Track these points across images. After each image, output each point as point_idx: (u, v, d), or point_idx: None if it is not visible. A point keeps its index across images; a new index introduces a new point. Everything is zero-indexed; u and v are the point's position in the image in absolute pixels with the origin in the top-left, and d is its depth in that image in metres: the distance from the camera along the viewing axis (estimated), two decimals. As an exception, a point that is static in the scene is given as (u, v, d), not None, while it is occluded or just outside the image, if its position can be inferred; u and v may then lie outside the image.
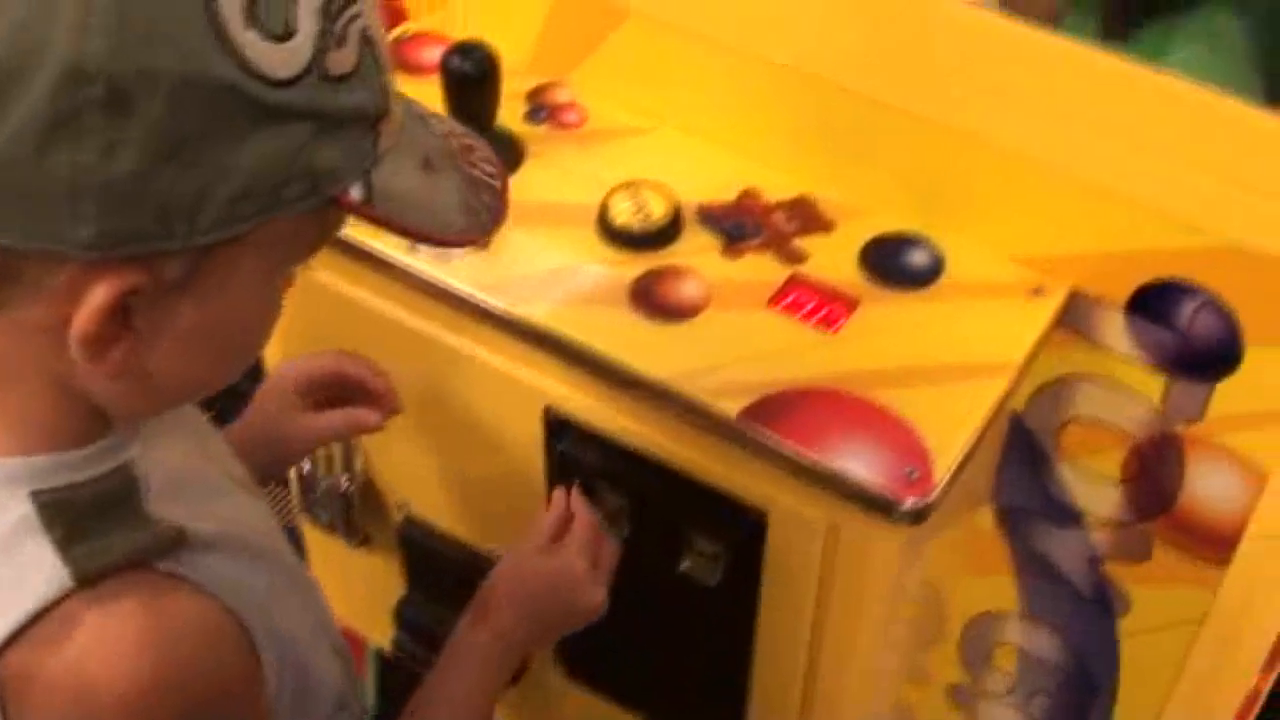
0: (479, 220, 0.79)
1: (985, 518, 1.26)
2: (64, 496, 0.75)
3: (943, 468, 0.99)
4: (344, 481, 1.32)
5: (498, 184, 0.81)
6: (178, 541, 0.78)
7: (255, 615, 0.82)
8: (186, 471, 0.85)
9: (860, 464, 0.99)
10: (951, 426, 1.02)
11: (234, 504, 0.90)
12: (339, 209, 0.73)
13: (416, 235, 0.77)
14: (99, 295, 0.67)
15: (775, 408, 1.02)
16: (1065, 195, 1.06)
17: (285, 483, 1.41)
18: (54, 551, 0.73)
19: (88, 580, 0.74)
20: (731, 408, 1.02)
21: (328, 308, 1.20)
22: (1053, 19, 1.03)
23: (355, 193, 0.72)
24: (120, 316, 0.69)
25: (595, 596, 1.06)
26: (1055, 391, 1.15)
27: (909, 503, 0.98)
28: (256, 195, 0.68)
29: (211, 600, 0.79)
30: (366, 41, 0.71)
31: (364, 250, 1.13)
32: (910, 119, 1.09)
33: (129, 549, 0.76)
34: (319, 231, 0.76)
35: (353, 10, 0.70)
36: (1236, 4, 1.06)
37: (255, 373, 1.15)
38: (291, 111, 0.68)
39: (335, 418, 1.12)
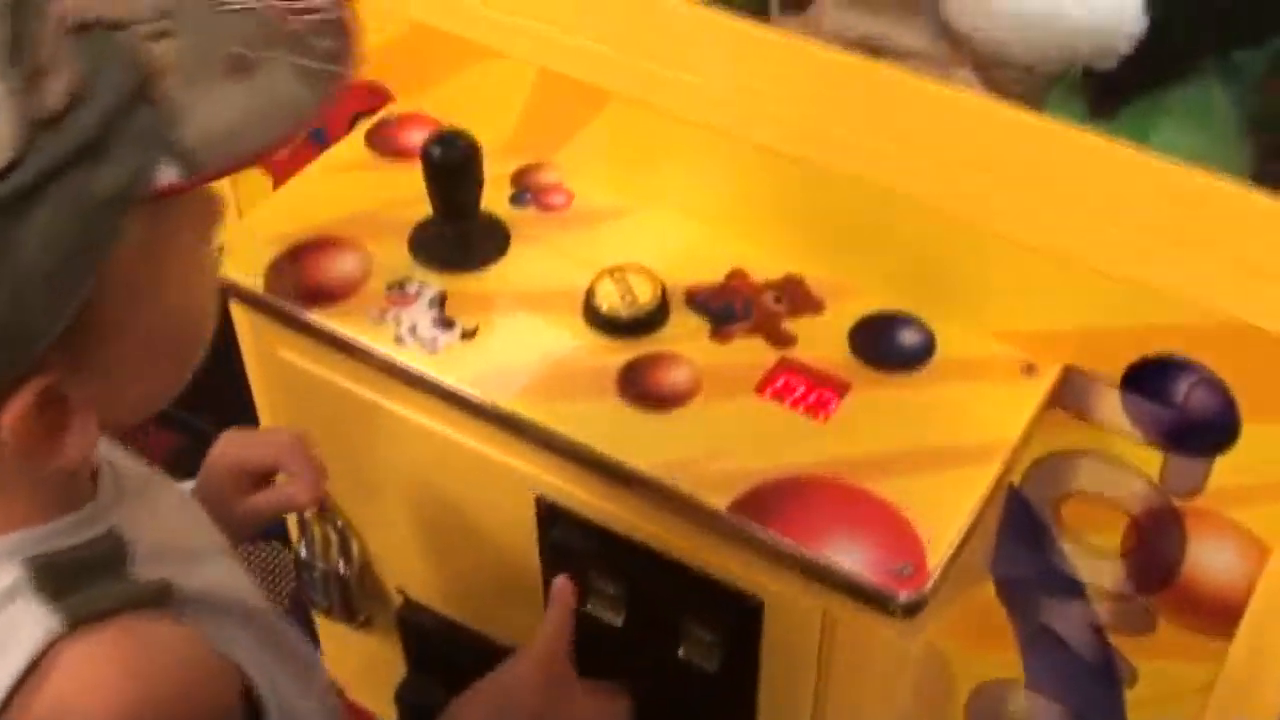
0: (328, 79, 0.70)
1: (987, 588, 1.24)
2: (54, 560, 0.75)
3: (935, 560, 0.98)
4: (341, 567, 1.31)
5: (335, 17, 0.72)
6: (165, 593, 0.78)
7: (252, 670, 0.82)
8: (172, 536, 0.85)
9: (852, 558, 0.98)
10: (944, 516, 1.00)
11: (221, 568, 0.90)
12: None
13: (272, 150, 0.68)
14: (8, 422, 0.68)
15: (766, 499, 1.01)
16: (1055, 273, 1.04)
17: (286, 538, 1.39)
18: (43, 604, 0.74)
19: (78, 624, 0.73)
20: (721, 500, 1.01)
21: (320, 397, 1.20)
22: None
23: (171, 173, 0.64)
24: (55, 409, 0.69)
25: None
26: (1053, 465, 1.14)
27: (903, 597, 0.97)
28: (72, 258, 0.64)
29: (200, 636, 0.79)
30: (80, 32, 0.64)
31: (350, 343, 1.12)
32: (898, 198, 1.07)
33: (118, 597, 0.76)
34: (191, 208, 0.71)
35: (43, 28, 0.63)
36: (1224, 74, 1.04)
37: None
38: (34, 184, 0.62)
39: (269, 499, 1.11)
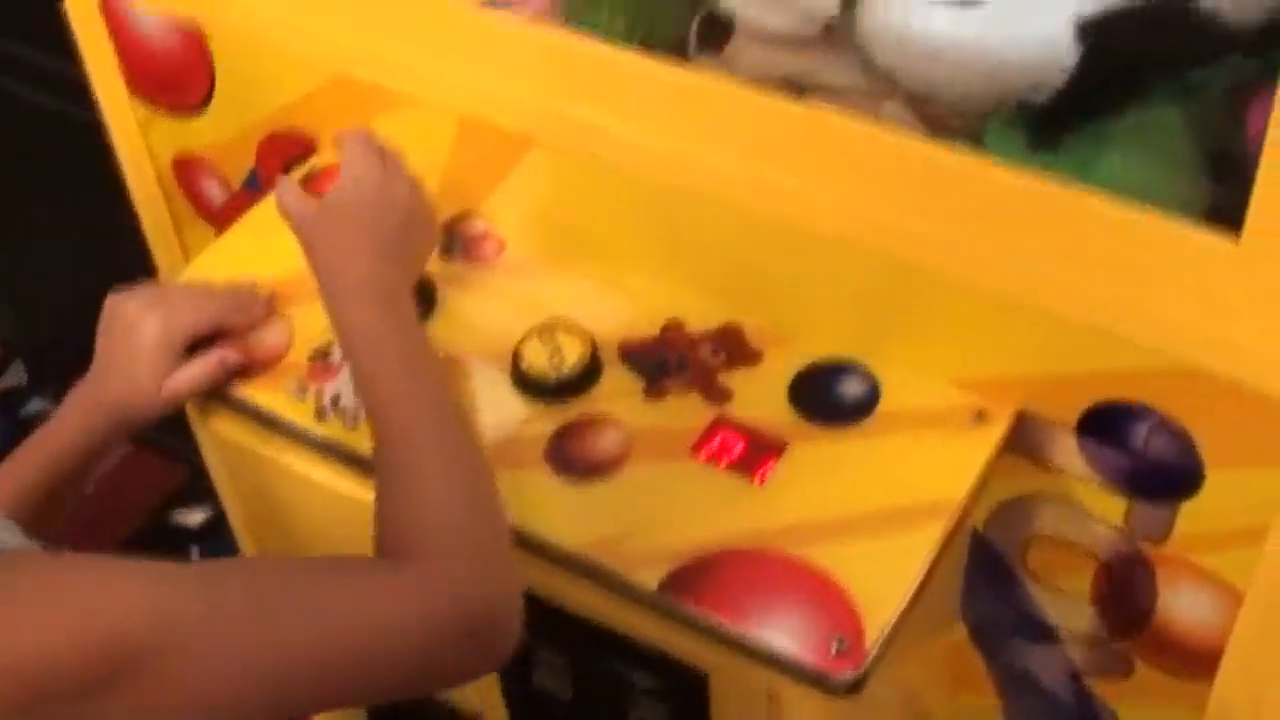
0: None
1: (960, 632, 1.19)
2: None
3: (873, 635, 0.93)
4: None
5: None
6: None
7: None
8: None
9: (787, 634, 0.94)
10: (885, 585, 0.95)
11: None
12: None
13: None
14: None
15: (698, 574, 0.97)
16: (1004, 315, 0.99)
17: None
18: None
19: None
20: (652, 577, 0.97)
21: (250, 466, 1.17)
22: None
23: None
24: None
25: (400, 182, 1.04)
26: (1015, 509, 1.08)
27: (840, 676, 0.92)
28: None
29: None
30: None
31: (272, 418, 1.09)
32: (838, 242, 1.02)
33: None
34: None
35: None
36: (1177, 96, 0.97)
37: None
38: None
39: (196, 369, 1.08)
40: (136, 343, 1.07)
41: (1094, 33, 0.92)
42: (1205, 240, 0.89)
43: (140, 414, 1.08)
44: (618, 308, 1.12)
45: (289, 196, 1.02)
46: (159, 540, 1.96)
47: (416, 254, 1.05)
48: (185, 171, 1.38)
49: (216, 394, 1.11)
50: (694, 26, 1.03)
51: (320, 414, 1.07)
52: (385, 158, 1.04)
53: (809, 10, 0.97)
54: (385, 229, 1.01)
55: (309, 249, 1.01)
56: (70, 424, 1.08)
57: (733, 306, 1.11)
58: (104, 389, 1.08)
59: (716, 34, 1.02)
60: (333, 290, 0.99)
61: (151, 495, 1.96)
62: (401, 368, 0.96)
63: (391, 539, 0.90)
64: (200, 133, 1.33)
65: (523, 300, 1.13)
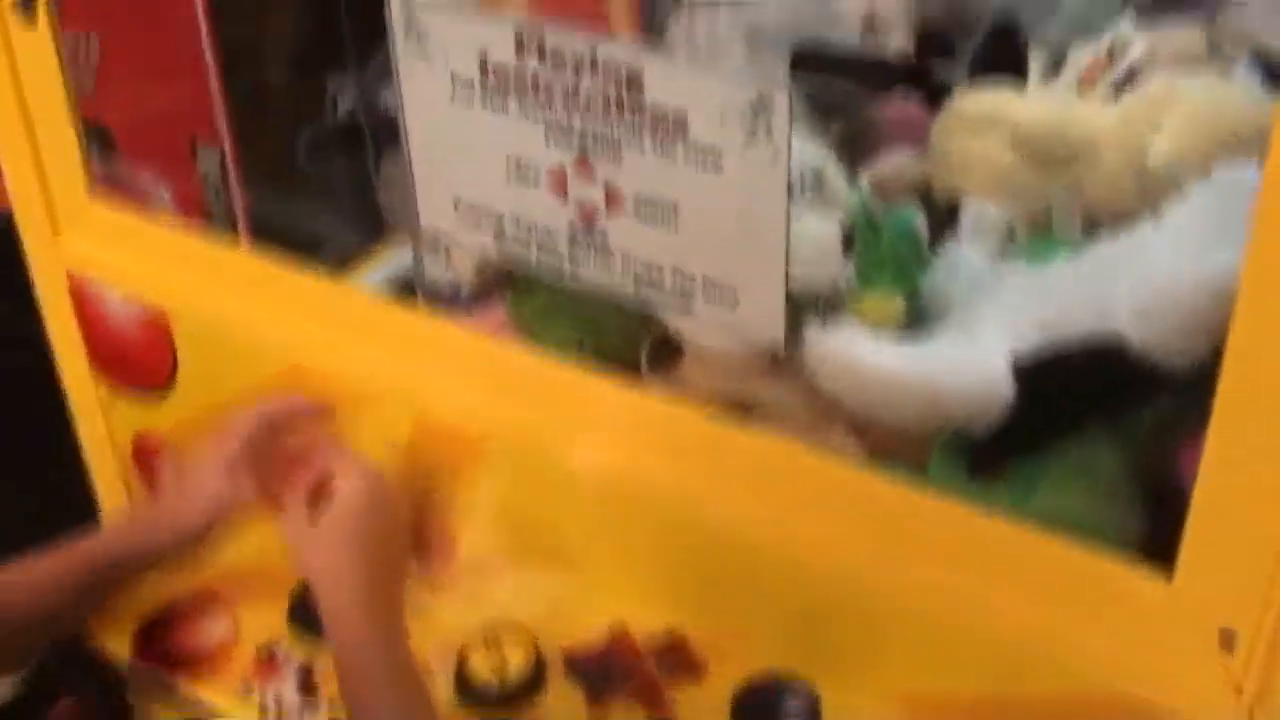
0: None
1: None
2: None
3: None
4: None
5: None
6: None
7: None
8: None
9: None
10: None
11: None
12: None
13: None
14: None
15: None
16: (945, 639, 1.00)
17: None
18: None
19: None
20: None
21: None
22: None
23: None
24: None
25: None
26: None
27: None
28: None
29: None
30: None
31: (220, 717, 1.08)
32: (784, 561, 1.03)
33: None
34: None
35: None
36: (1113, 433, 1.00)
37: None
38: None
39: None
40: (193, 461, 1.10)
41: (1029, 371, 0.96)
42: (1139, 578, 0.91)
43: (181, 522, 1.08)
44: (565, 613, 1.12)
45: (290, 518, 1.04)
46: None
47: (404, 564, 1.07)
48: (144, 451, 1.39)
49: (164, 685, 1.11)
50: (645, 348, 1.06)
51: (264, 713, 1.06)
52: (374, 475, 1.06)
53: (756, 338, 1.00)
54: (379, 544, 1.02)
55: (308, 567, 1.02)
56: (112, 532, 1.12)
57: (680, 613, 1.11)
58: (152, 505, 1.11)
59: (668, 354, 1.05)
60: (328, 599, 0.99)
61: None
62: (384, 674, 0.96)
63: None
64: (161, 415, 1.35)
65: (471, 602, 1.13)
